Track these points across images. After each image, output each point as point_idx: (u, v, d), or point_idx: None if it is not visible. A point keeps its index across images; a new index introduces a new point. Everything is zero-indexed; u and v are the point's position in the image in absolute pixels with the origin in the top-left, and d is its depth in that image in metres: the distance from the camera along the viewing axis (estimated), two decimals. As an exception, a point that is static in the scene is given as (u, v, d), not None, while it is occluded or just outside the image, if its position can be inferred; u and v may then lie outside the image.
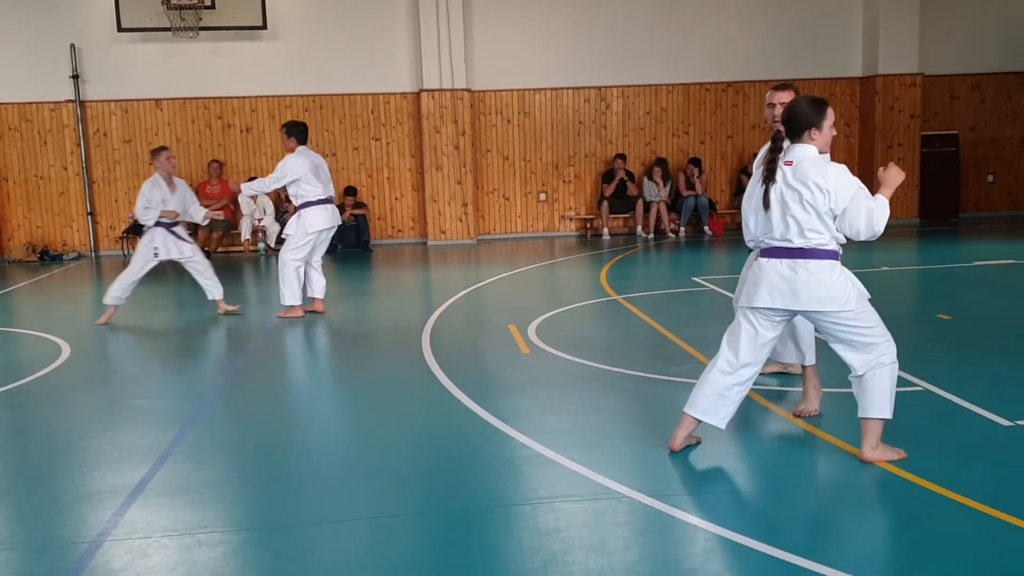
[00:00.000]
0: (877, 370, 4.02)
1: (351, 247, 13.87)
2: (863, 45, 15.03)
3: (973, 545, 3.31)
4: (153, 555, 3.42)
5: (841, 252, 4.08)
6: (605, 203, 14.42)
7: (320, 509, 3.84)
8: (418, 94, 14.18)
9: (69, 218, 14.16)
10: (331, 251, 8.90)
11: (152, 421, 5.23)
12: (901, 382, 5.39)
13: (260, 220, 13.85)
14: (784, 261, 4.01)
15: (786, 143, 4.03)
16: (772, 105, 4.73)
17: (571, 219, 15.04)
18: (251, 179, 11.46)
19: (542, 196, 14.98)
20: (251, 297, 10.27)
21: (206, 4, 13.11)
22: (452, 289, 9.71)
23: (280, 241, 10.52)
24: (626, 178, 14.45)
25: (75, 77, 13.71)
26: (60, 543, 3.57)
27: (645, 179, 14.56)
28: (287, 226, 8.41)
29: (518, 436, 4.64)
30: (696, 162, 14.59)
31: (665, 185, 14.44)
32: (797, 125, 3.96)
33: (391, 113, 14.47)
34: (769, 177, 4.01)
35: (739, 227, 13.41)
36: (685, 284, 9.55)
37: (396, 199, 14.72)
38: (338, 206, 8.54)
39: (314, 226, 8.17)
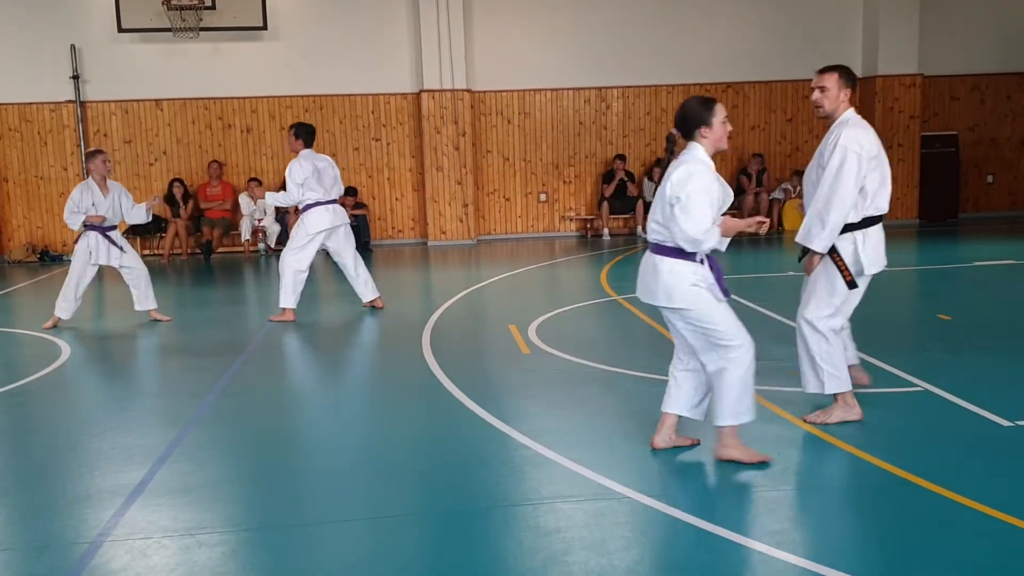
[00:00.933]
0: (723, 375, 4.08)
1: (351, 247, 13.85)
2: (863, 46, 15.02)
3: (973, 545, 3.31)
4: (153, 555, 3.42)
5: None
6: (605, 203, 14.43)
7: (320, 509, 3.85)
8: (418, 94, 14.19)
9: (69, 218, 14.14)
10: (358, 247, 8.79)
11: (152, 421, 5.23)
12: (902, 382, 5.42)
13: (260, 220, 13.85)
14: (646, 255, 4.23)
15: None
16: (813, 89, 4.73)
17: (571, 219, 15.04)
18: (251, 179, 11.47)
19: (542, 196, 14.98)
20: (251, 298, 10.27)
21: (206, 4, 13.10)
22: (452, 289, 9.71)
23: (280, 242, 10.55)
24: (626, 178, 14.45)
25: (75, 78, 13.71)
26: (60, 543, 3.57)
27: (645, 179, 14.56)
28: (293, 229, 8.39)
29: (518, 436, 4.64)
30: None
31: (665, 185, 14.41)
32: (688, 124, 4.04)
33: (391, 113, 14.48)
34: (662, 175, 4.15)
35: (739, 227, 12.93)
36: (685, 284, 9.53)
37: (396, 199, 14.73)
38: (339, 207, 8.47)
39: (315, 227, 8.15)
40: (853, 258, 4.57)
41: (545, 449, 4.44)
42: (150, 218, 8.55)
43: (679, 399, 4.32)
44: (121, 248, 8.18)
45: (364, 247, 13.86)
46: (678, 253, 4.04)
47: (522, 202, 14.99)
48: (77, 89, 13.76)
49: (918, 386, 5.29)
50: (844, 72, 4.65)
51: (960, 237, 13.33)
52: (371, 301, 8.52)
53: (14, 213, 14.09)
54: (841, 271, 4.57)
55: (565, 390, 5.53)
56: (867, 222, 4.58)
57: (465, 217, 14.36)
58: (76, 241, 8.19)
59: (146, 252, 13.86)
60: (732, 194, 4.15)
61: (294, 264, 8.18)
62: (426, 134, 14.13)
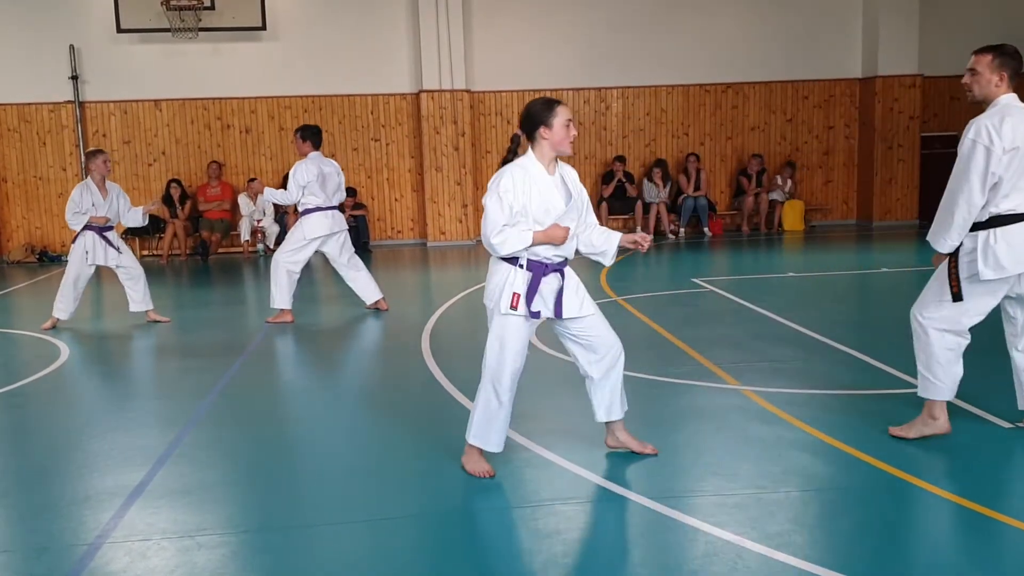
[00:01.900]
0: (477, 392, 4.09)
1: (350, 248, 13.85)
2: (863, 46, 15.03)
3: (973, 545, 3.31)
4: (152, 557, 3.41)
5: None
6: (604, 204, 14.42)
7: (320, 511, 3.84)
8: (417, 95, 14.18)
9: (68, 219, 14.13)
10: (356, 248, 8.81)
11: (151, 422, 5.23)
12: (902, 383, 5.42)
13: (259, 221, 13.84)
14: None
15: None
16: (966, 71, 4.34)
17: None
18: (251, 179, 11.42)
19: (542, 197, 14.95)
20: (250, 298, 10.26)
21: (205, 5, 13.10)
22: (452, 290, 9.71)
23: (279, 243, 10.54)
24: (624, 179, 14.45)
25: (74, 78, 13.70)
26: (59, 545, 3.56)
27: (644, 180, 14.55)
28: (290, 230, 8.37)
29: (518, 438, 4.64)
30: (695, 156, 14.59)
31: (665, 186, 14.44)
32: (529, 124, 3.97)
33: (390, 114, 14.47)
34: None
35: (738, 228, 13.40)
36: (684, 285, 9.55)
37: (396, 200, 14.72)
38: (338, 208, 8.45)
39: (313, 231, 8.12)
40: (969, 259, 4.18)
41: (544, 451, 4.44)
42: (146, 222, 8.55)
43: (594, 405, 4.30)
44: (118, 249, 8.17)
45: (363, 248, 13.87)
46: (505, 259, 3.99)
47: (521, 202, 14.95)
48: (76, 89, 13.75)
49: (918, 387, 5.27)
50: (1000, 53, 4.20)
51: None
52: (375, 303, 8.50)
53: (13, 213, 14.08)
54: (950, 277, 4.22)
55: (565, 391, 5.52)
56: (997, 221, 4.13)
57: (464, 218, 14.35)
58: (73, 241, 8.19)
59: (145, 253, 13.87)
60: (584, 202, 4.09)
61: (287, 265, 8.14)
62: (425, 134, 14.13)
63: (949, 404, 4.96)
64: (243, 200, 13.66)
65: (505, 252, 3.90)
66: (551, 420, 4.95)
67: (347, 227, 8.48)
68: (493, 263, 4.06)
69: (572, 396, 5.44)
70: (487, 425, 4.07)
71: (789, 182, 14.57)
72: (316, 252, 8.38)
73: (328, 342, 7.65)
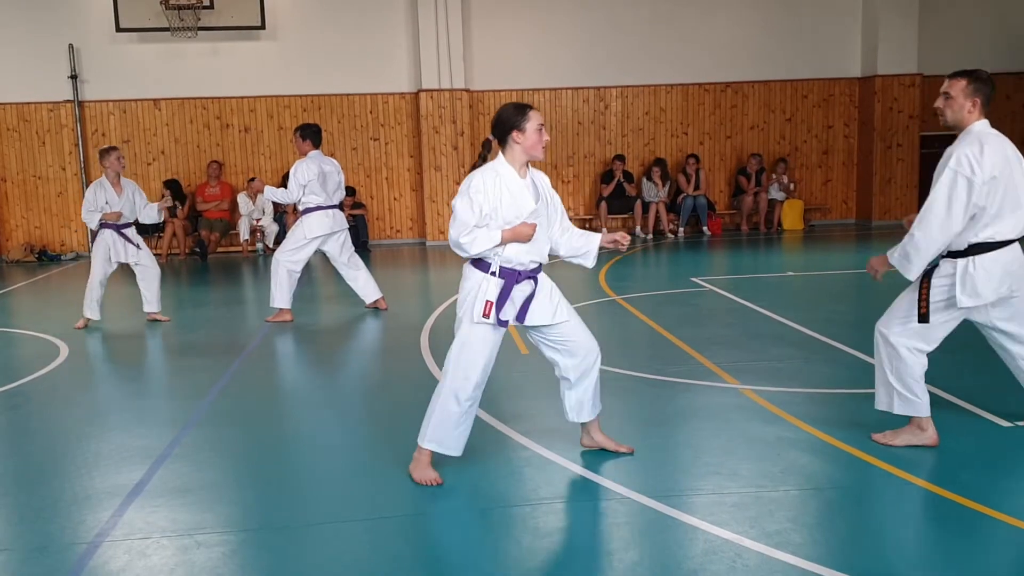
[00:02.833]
0: (435, 395, 4.08)
1: (350, 247, 13.84)
2: (862, 46, 15.03)
3: (973, 545, 3.31)
4: (152, 556, 3.41)
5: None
6: (603, 203, 14.42)
7: (319, 510, 3.84)
8: (417, 94, 14.18)
9: (67, 218, 14.14)
10: (356, 247, 8.82)
11: (151, 422, 5.22)
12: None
13: (258, 220, 13.84)
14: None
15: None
16: (939, 95, 4.34)
17: (570, 219, 15.01)
18: (251, 179, 11.41)
19: (541, 196, 14.95)
20: (249, 298, 10.26)
21: (204, 4, 13.10)
22: (451, 289, 9.69)
23: (279, 242, 10.54)
24: (623, 179, 14.45)
25: (73, 77, 13.70)
26: (59, 544, 3.56)
27: (644, 179, 14.56)
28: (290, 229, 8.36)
29: (517, 437, 4.64)
30: (694, 157, 14.59)
31: (664, 185, 14.44)
32: (501, 128, 3.95)
33: (390, 113, 14.47)
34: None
35: (738, 228, 13.40)
36: (684, 285, 9.55)
37: (395, 199, 14.72)
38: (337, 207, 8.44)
39: (313, 231, 8.12)
40: (946, 284, 4.17)
41: (544, 450, 4.44)
42: (162, 219, 8.52)
43: (566, 407, 4.30)
44: (137, 246, 8.20)
45: (362, 247, 13.86)
46: (476, 263, 3.98)
47: (521, 202, 14.95)
48: (75, 89, 13.74)
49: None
50: (975, 79, 4.20)
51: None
52: (374, 302, 8.49)
53: (12, 213, 14.08)
54: (920, 300, 4.20)
55: (564, 390, 5.52)
56: (976, 249, 4.09)
57: (464, 217, 14.32)
58: (93, 240, 8.20)
59: (144, 252, 13.85)
60: (558, 207, 4.12)
61: (288, 264, 8.14)
62: (424, 134, 14.13)
63: (948, 403, 4.97)
64: (242, 199, 13.66)
65: (474, 252, 3.88)
66: (550, 420, 4.95)
67: (348, 226, 8.48)
68: (466, 270, 4.03)
69: (571, 395, 5.44)
70: (444, 429, 4.04)
71: (785, 178, 14.55)
72: (316, 251, 8.38)
73: (327, 341, 7.64)
